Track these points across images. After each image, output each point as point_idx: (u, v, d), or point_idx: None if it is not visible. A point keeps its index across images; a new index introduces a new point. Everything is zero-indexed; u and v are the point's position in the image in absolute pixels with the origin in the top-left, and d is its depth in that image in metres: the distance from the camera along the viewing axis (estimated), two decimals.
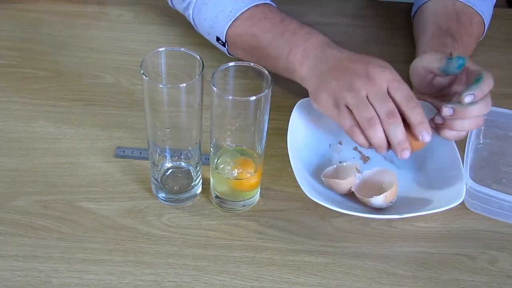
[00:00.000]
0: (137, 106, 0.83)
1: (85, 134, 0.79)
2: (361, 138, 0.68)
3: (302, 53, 0.75)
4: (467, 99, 0.68)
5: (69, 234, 0.67)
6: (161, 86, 0.62)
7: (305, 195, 0.67)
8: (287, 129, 0.74)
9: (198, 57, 0.63)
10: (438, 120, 0.71)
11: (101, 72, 0.88)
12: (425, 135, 0.67)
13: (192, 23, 0.87)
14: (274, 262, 0.66)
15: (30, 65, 0.89)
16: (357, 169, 0.72)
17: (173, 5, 0.89)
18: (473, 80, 0.69)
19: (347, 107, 0.68)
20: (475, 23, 0.87)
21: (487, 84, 0.69)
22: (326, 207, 0.67)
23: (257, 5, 0.80)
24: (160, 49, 0.64)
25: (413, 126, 0.67)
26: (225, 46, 0.83)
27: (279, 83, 0.86)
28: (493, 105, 0.80)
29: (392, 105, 0.67)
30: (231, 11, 0.80)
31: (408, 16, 0.98)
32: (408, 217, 0.69)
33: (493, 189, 0.70)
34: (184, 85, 0.61)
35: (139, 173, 0.74)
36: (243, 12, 0.80)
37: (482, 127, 0.80)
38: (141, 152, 0.76)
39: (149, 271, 0.65)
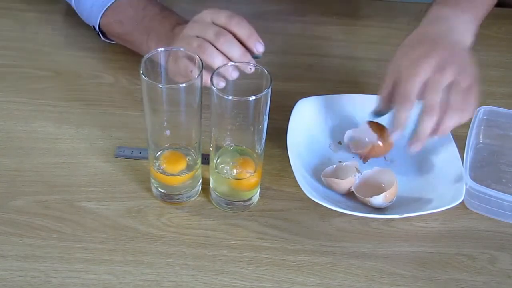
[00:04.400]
0: (137, 106, 0.83)
1: (85, 134, 0.79)
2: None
3: (157, 37, 0.77)
4: (413, 149, 0.69)
5: (69, 234, 0.67)
6: (160, 86, 0.62)
7: (305, 195, 0.67)
8: (287, 129, 0.74)
9: (198, 57, 0.63)
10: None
11: (101, 72, 0.88)
12: (258, 45, 0.68)
13: (79, 14, 0.89)
14: (274, 262, 0.66)
15: (30, 65, 0.89)
16: (357, 169, 0.72)
17: None
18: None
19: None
20: None
21: (423, 126, 0.67)
22: (326, 207, 0.67)
23: None
24: (160, 49, 0.64)
25: (244, 41, 0.68)
26: (100, 36, 0.87)
27: (279, 83, 0.86)
28: (493, 105, 0.80)
29: (216, 28, 0.68)
30: (103, 1, 0.83)
31: (408, 16, 0.97)
32: (408, 217, 0.69)
33: (493, 188, 0.70)
34: (184, 85, 0.61)
35: (139, 173, 0.74)
36: (113, 2, 0.82)
37: (482, 127, 0.80)
38: (141, 152, 0.76)
39: (149, 271, 0.65)
